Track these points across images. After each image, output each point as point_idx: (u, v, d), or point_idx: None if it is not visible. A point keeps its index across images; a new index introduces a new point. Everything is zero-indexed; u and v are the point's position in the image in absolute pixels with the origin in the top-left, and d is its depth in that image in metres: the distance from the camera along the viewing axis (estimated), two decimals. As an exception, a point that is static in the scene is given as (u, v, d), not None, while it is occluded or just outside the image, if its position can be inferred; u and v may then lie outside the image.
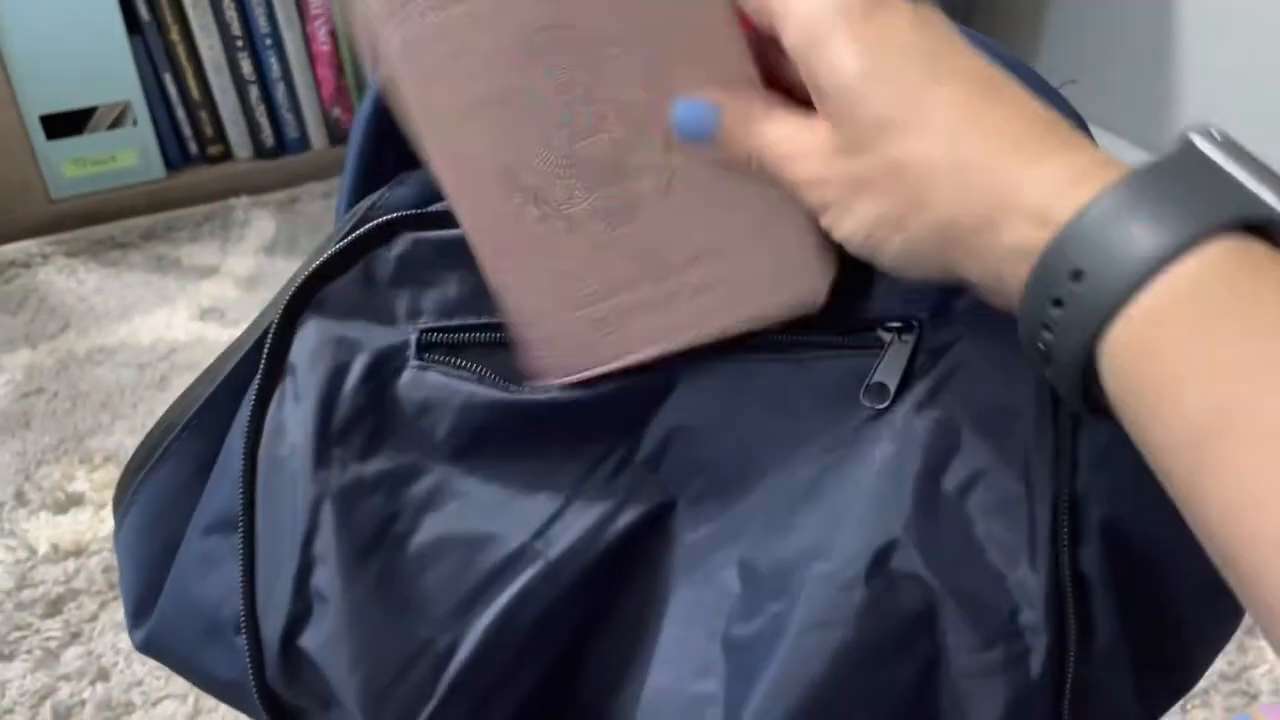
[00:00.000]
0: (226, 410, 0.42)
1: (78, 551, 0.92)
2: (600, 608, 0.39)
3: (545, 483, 0.39)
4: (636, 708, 0.38)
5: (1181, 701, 0.78)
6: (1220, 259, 0.26)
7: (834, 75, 0.31)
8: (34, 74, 1.32)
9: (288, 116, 1.45)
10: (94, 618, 0.86)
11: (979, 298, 0.33)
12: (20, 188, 1.36)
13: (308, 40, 1.42)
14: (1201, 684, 0.80)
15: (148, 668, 0.82)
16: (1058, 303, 0.27)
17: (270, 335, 0.40)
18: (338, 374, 0.39)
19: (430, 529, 0.39)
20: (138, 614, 0.43)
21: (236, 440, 0.41)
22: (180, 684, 0.81)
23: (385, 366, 0.40)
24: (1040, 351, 0.29)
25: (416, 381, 0.39)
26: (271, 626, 0.38)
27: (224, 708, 0.79)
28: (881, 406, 0.38)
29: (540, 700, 0.39)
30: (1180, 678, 0.40)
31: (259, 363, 0.40)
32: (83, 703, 0.80)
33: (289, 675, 0.39)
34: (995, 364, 0.37)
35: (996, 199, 0.29)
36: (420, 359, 0.40)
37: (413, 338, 0.40)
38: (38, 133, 1.35)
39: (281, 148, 1.47)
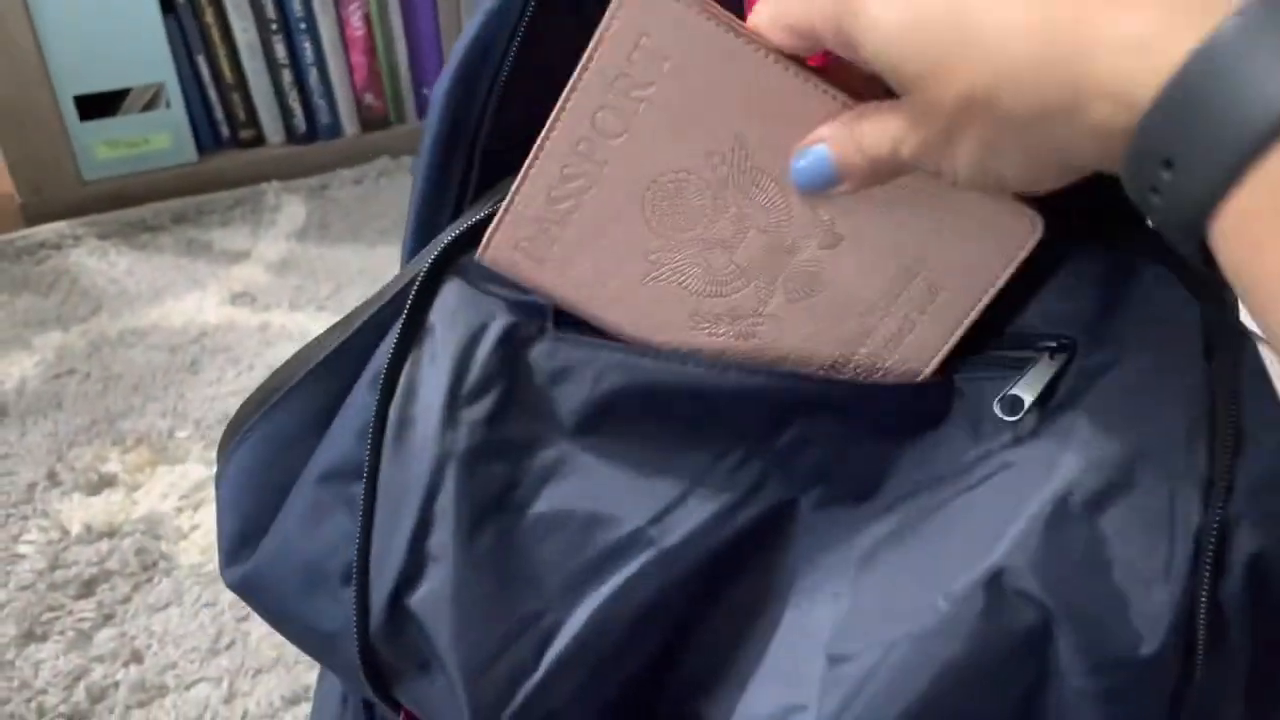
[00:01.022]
0: (356, 360, 0.41)
1: (110, 533, 0.91)
2: (709, 601, 0.38)
3: (668, 468, 0.38)
4: (728, 707, 0.37)
5: None
6: None
7: (872, 47, 0.31)
8: (68, 55, 1.32)
9: (320, 102, 1.44)
10: (127, 599, 0.86)
11: (1138, 317, 0.32)
12: (53, 169, 1.36)
13: (342, 25, 1.41)
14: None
15: (181, 650, 0.82)
16: (1154, 189, 0.26)
17: (414, 291, 0.39)
18: (474, 337, 0.38)
19: (549, 501, 0.38)
20: (235, 552, 0.43)
21: (363, 394, 0.40)
22: (214, 667, 0.80)
23: (520, 333, 0.39)
24: (1156, 215, 0.27)
25: (550, 351, 0.39)
26: (383, 582, 0.38)
27: (258, 692, 0.78)
28: (1013, 419, 0.36)
29: (638, 687, 0.38)
30: None
31: (393, 318, 0.40)
32: (116, 684, 0.79)
33: (392, 633, 0.38)
34: (1149, 384, 0.36)
35: (1072, 81, 0.27)
36: (557, 328, 0.39)
37: (550, 309, 0.39)
38: (71, 114, 1.35)
39: (313, 133, 1.46)
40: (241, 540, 0.43)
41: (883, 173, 0.34)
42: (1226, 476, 0.34)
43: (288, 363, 0.43)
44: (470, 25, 0.42)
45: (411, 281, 0.39)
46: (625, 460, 0.38)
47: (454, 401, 0.38)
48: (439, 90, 0.42)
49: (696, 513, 0.37)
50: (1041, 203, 0.36)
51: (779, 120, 0.36)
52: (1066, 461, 0.35)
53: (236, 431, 0.43)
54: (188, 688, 0.79)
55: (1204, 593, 0.33)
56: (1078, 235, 0.40)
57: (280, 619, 0.43)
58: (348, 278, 1.27)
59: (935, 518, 0.37)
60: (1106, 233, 0.40)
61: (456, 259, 0.40)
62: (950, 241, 0.37)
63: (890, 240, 0.37)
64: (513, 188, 0.38)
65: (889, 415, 0.39)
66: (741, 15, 0.36)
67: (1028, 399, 0.37)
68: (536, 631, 0.37)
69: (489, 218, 0.39)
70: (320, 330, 1.18)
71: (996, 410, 0.37)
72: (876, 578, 0.37)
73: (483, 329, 0.38)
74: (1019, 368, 0.37)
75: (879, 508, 0.38)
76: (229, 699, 0.78)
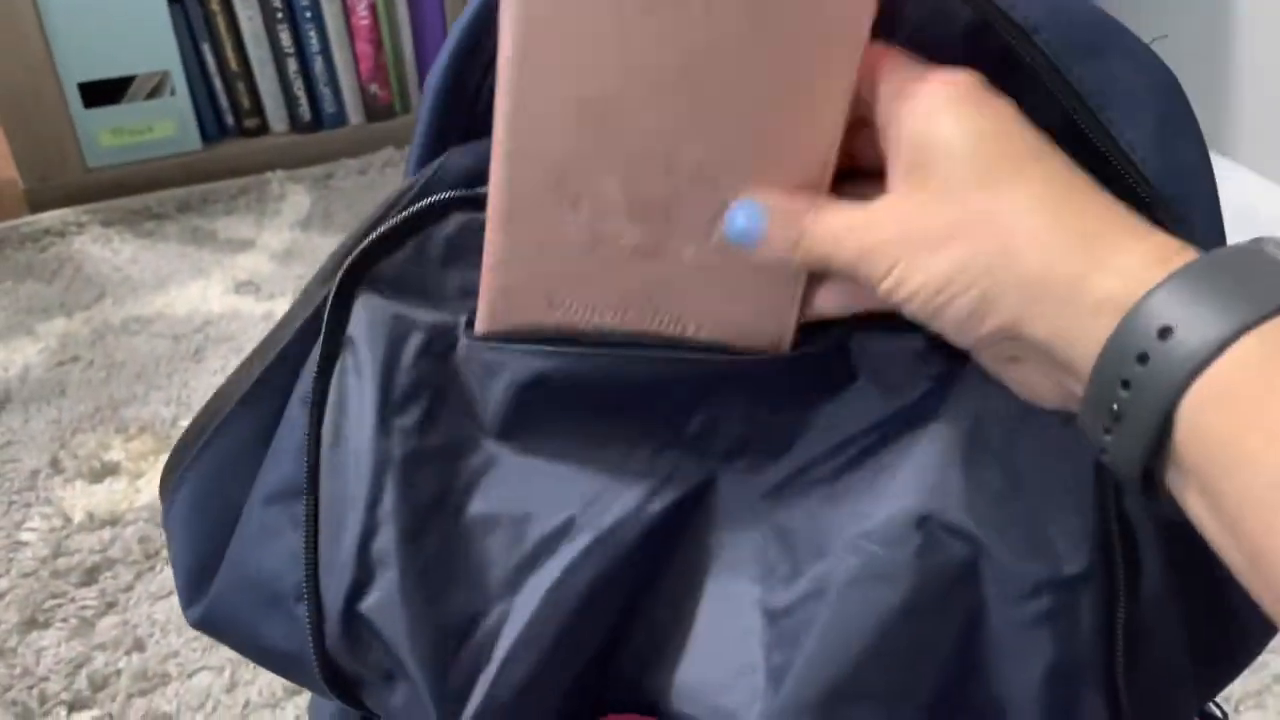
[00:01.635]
0: (283, 385, 0.42)
1: (113, 521, 0.92)
2: (645, 582, 0.39)
3: (591, 459, 0.39)
4: (678, 678, 0.39)
5: (1235, 704, 0.77)
6: None
7: (938, 131, 0.33)
8: (73, 42, 1.32)
9: (325, 91, 1.44)
10: (129, 588, 0.86)
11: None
12: (57, 156, 1.36)
13: (347, 14, 1.41)
14: (1255, 685, 0.78)
15: (184, 639, 0.82)
16: (1142, 358, 0.28)
17: (327, 310, 0.40)
18: (394, 348, 0.39)
19: (482, 502, 0.39)
20: (194, 589, 0.43)
21: (296, 412, 0.41)
22: (216, 656, 0.80)
23: (438, 343, 0.40)
24: (1111, 413, 0.29)
25: (467, 356, 0.40)
26: (333, 592, 0.38)
27: (260, 680, 0.78)
28: (938, 371, 0.38)
29: (589, 671, 0.39)
30: (1232, 644, 0.40)
31: (314, 337, 0.40)
32: (118, 672, 0.80)
33: (350, 642, 0.39)
34: None
35: (1091, 256, 0.30)
36: (470, 337, 0.40)
37: (463, 318, 0.40)
38: (76, 101, 1.35)
39: (318, 122, 1.46)
40: (196, 577, 0.43)
41: (797, 261, 0.36)
42: None
43: (216, 395, 0.43)
44: (465, 11, 0.42)
45: (322, 304, 0.40)
46: (549, 457, 0.39)
47: (384, 411, 0.39)
48: (432, 75, 0.42)
49: (622, 498, 0.39)
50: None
51: (787, 114, 0.35)
52: (970, 399, 0.37)
53: (176, 469, 0.43)
54: (189, 676, 0.79)
55: (1111, 508, 0.35)
56: None
57: (245, 646, 0.43)
58: (352, 267, 1.27)
59: (855, 471, 0.38)
60: None
61: (366, 272, 0.40)
62: (739, 298, 0.39)
63: (715, 274, 0.38)
64: (485, 258, 0.38)
65: (795, 384, 0.39)
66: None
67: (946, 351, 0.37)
68: (487, 624, 0.38)
69: (390, 231, 0.40)
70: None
71: (919, 366, 0.38)
72: (800, 534, 0.38)
73: (402, 340, 0.39)
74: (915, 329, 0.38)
75: (794, 470, 0.39)
76: (231, 688, 0.78)
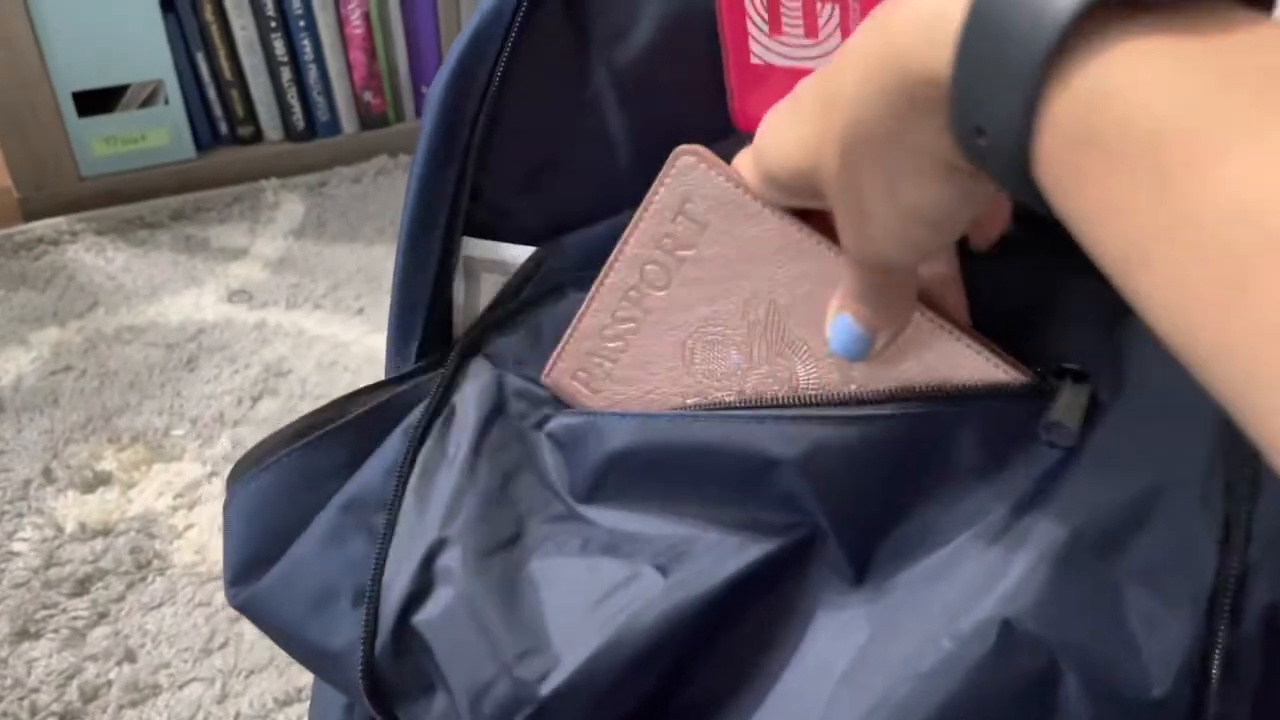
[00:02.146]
0: (393, 418, 0.45)
1: (105, 531, 0.92)
2: (717, 633, 0.38)
3: (674, 517, 0.40)
4: None
5: None
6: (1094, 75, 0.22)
7: (778, 167, 0.34)
8: (67, 51, 1.32)
9: (319, 99, 1.44)
10: (121, 598, 0.86)
11: (1143, 348, 0.33)
12: (51, 164, 1.36)
13: (341, 23, 1.41)
14: None
15: (175, 650, 0.82)
16: (983, 159, 0.26)
17: (448, 368, 0.44)
18: (499, 407, 0.43)
19: (554, 554, 0.40)
20: (244, 574, 0.45)
21: (396, 440, 0.43)
22: (207, 667, 0.80)
23: (537, 412, 0.43)
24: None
25: (560, 428, 0.42)
26: (391, 601, 0.40)
27: (251, 691, 0.78)
28: (1067, 445, 0.36)
29: (646, 711, 0.39)
30: None
31: (429, 384, 0.45)
32: (109, 683, 0.80)
33: (397, 651, 0.40)
34: (1159, 420, 0.35)
35: (900, 85, 0.27)
36: (562, 411, 0.43)
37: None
38: (69, 110, 1.35)
39: (312, 131, 1.46)
40: (253, 563, 0.45)
41: (896, 310, 0.36)
42: (1244, 521, 0.33)
43: (323, 408, 0.46)
44: (467, 26, 0.43)
45: (444, 360, 0.45)
46: (630, 514, 0.40)
47: (477, 453, 0.42)
48: (435, 88, 0.43)
49: (705, 550, 0.38)
50: (1033, 229, 0.36)
51: (809, 289, 0.38)
52: (1076, 500, 0.34)
53: (258, 462, 0.45)
54: (180, 687, 0.79)
55: (1219, 640, 0.33)
56: (1061, 264, 0.40)
57: (285, 636, 0.45)
58: (345, 276, 1.27)
59: (951, 552, 0.37)
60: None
61: (484, 344, 0.45)
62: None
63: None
64: (572, 323, 0.42)
65: (900, 458, 0.38)
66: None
67: (1071, 424, 0.36)
68: (538, 660, 0.37)
69: (514, 310, 0.45)
70: (316, 327, 1.18)
71: (1043, 436, 0.36)
72: (890, 613, 0.37)
73: (503, 405, 0.43)
74: (1032, 395, 0.37)
75: (894, 550, 0.38)
76: (221, 699, 0.78)
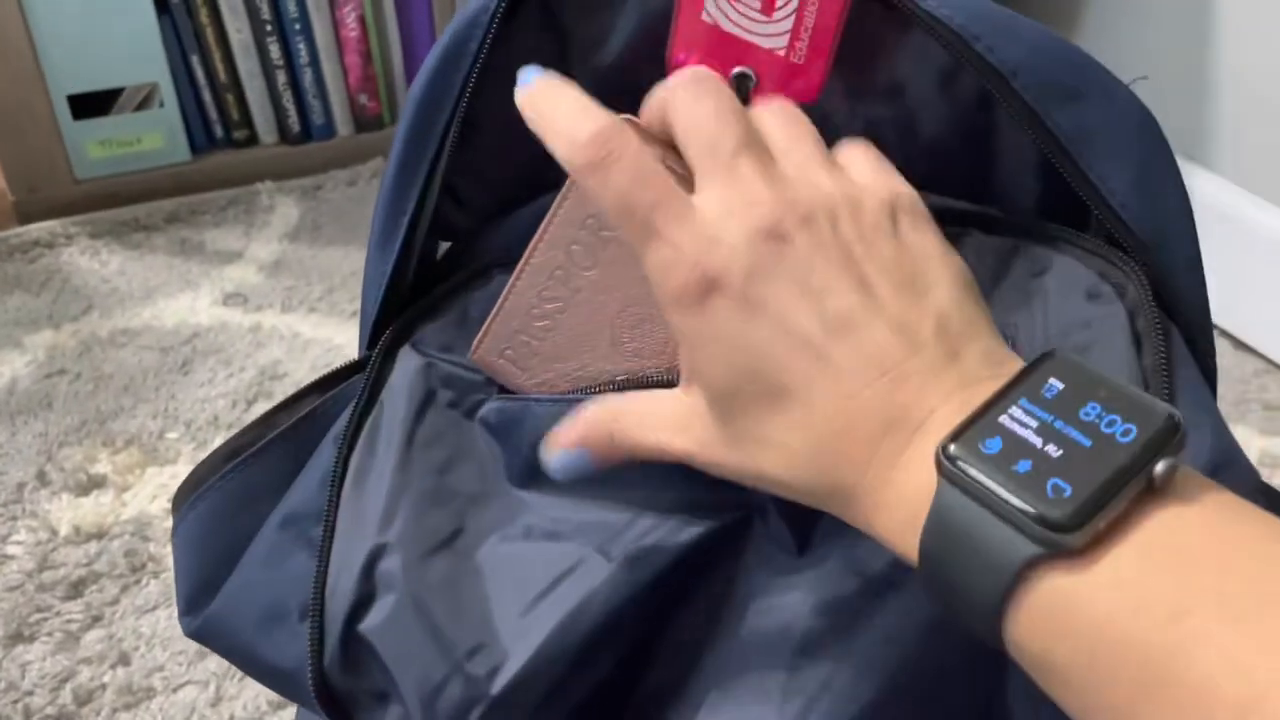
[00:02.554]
0: (322, 426, 0.44)
1: (99, 534, 0.92)
2: (668, 616, 0.39)
3: (613, 500, 0.39)
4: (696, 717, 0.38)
5: None
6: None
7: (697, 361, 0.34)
8: (62, 54, 1.32)
9: (314, 102, 1.44)
10: (115, 601, 0.86)
11: (1063, 315, 0.34)
12: (46, 167, 1.36)
13: (336, 26, 1.41)
14: None
15: (169, 653, 0.82)
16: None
17: (372, 364, 0.44)
18: (428, 396, 0.42)
19: (497, 544, 0.40)
20: (194, 601, 0.44)
21: (327, 448, 0.43)
22: (202, 670, 0.80)
23: (468, 398, 0.43)
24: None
25: (495, 411, 0.42)
26: (336, 609, 0.39)
27: (245, 695, 0.78)
28: None
29: (604, 700, 0.39)
30: None
31: (357, 383, 0.44)
32: (103, 686, 0.80)
33: (347, 661, 0.39)
34: None
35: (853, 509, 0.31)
36: (500, 393, 0.43)
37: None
38: (64, 112, 1.35)
39: (307, 134, 1.46)
40: (201, 589, 0.44)
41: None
42: None
43: (255, 423, 0.45)
44: (443, 33, 0.43)
45: (370, 355, 0.44)
46: (570, 499, 0.40)
47: (410, 446, 0.41)
48: (413, 91, 0.43)
49: (646, 531, 0.38)
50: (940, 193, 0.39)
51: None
52: None
53: (196, 487, 0.45)
54: (175, 690, 0.79)
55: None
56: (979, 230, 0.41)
57: (242, 659, 0.44)
58: (340, 279, 1.27)
59: None
60: (1007, 229, 0.41)
61: (411, 334, 0.44)
62: None
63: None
64: (498, 301, 0.42)
65: None
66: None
67: None
68: (487, 656, 0.37)
69: (439, 299, 0.45)
70: (311, 330, 1.18)
71: None
72: (839, 579, 0.37)
73: (432, 395, 0.42)
74: None
75: (830, 528, 0.38)
76: (215, 702, 0.78)
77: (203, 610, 0.44)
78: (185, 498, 0.45)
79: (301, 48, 1.40)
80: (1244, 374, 1.11)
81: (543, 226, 0.40)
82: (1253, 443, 1.00)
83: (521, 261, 0.41)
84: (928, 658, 0.35)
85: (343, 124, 1.47)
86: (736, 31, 0.40)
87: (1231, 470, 0.35)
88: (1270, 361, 1.11)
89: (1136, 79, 0.42)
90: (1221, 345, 1.14)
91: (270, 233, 1.36)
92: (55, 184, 1.37)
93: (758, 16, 0.39)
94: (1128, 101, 0.39)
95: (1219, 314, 1.14)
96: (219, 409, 1.06)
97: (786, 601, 0.38)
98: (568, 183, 0.39)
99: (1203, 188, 1.17)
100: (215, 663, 0.81)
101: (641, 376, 0.41)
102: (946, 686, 0.35)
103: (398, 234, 0.44)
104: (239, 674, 0.80)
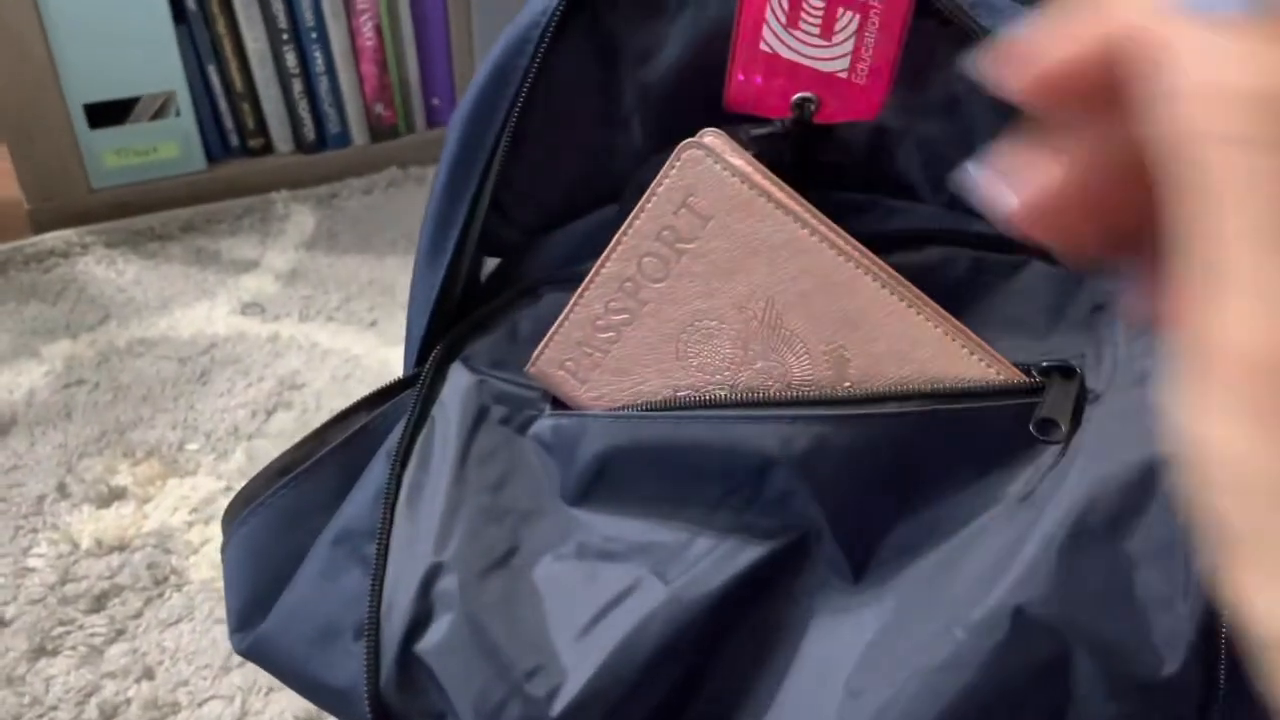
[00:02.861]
0: (374, 441, 0.44)
1: (121, 546, 0.91)
2: (724, 638, 0.38)
3: (668, 519, 0.39)
4: None
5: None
6: None
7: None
8: (79, 62, 1.32)
9: (330, 111, 1.44)
10: (138, 614, 0.85)
11: (1128, 335, 0.32)
12: (62, 176, 1.36)
13: (352, 35, 1.41)
14: None
15: (194, 667, 0.81)
16: None
17: (424, 379, 0.43)
18: (481, 413, 0.42)
19: (552, 563, 0.39)
20: (246, 619, 0.44)
21: (380, 465, 0.42)
22: (227, 685, 0.80)
23: (521, 414, 0.43)
24: None
25: (549, 429, 0.42)
26: (392, 631, 0.39)
27: (271, 709, 0.78)
28: (1057, 441, 0.36)
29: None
30: None
31: (407, 400, 0.44)
32: (128, 701, 0.79)
33: (403, 683, 0.39)
34: (1146, 404, 0.35)
35: None
36: (554, 409, 0.42)
37: (546, 392, 0.43)
38: (81, 121, 1.34)
39: (323, 143, 1.46)
40: (254, 607, 0.44)
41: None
42: None
43: (302, 441, 0.45)
44: (489, 55, 0.43)
45: (421, 371, 0.44)
46: (625, 518, 0.40)
47: (462, 464, 0.41)
48: (456, 117, 0.43)
49: (702, 555, 0.38)
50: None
51: (808, 286, 0.38)
52: (1077, 486, 0.35)
53: (248, 503, 0.45)
54: (200, 705, 0.79)
55: (1225, 613, 0.33)
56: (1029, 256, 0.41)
57: (293, 678, 0.44)
58: (357, 288, 1.27)
59: (954, 547, 0.37)
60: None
61: (461, 350, 0.44)
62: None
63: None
64: (563, 312, 0.42)
65: (895, 455, 0.39)
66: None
67: (1061, 420, 0.37)
68: (546, 677, 0.37)
69: (488, 313, 0.44)
70: (329, 340, 1.18)
71: (1034, 433, 0.37)
72: (897, 609, 0.37)
73: (485, 411, 0.42)
74: (1019, 393, 0.37)
75: (897, 547, 0.38)
76: (241, 717, 0.78)
77: (255, 628, 0.43)
78: (236, 514, 0.45)
79: (318, 56, 1.40)
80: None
81: (616, 237, 0.40)
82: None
83: (591, 272, 0.41)
84: (989, 685, 0.34)
85: (358, 133, 1.47)
86: (794, 58, 0.40)
87: None
88: None
89: None
90: None
91: (286, 242, 1.35)
92: (71, 193, 1.37)
93: (817, 41, 0.39)
94: None
95: None
96: (239, 419, 1.05)
97: (840, 631, 0.38)
98: (648, 193, 0.39)
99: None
100: (240, 677, 0.80)
101: (705, 393, 0.41)
102: (1008, 714, 0.35)
103: (447, 249, 0.44)
104: (265, 688, 0.79)
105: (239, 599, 0.44)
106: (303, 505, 0.44)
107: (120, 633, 0.84)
